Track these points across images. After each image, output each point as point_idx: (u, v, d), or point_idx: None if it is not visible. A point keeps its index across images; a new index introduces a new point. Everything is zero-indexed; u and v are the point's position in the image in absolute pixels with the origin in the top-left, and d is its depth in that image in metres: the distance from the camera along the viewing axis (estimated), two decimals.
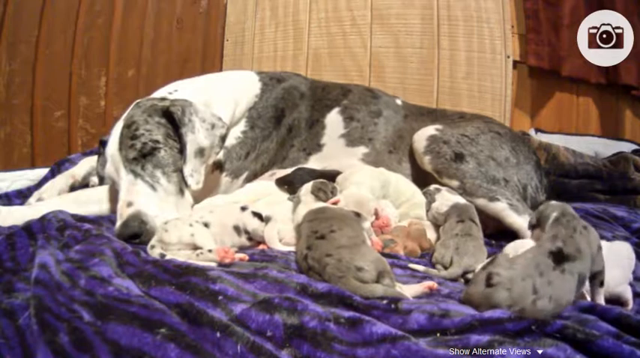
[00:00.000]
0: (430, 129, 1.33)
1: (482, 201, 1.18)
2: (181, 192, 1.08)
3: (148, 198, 1.00)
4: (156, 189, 1.03)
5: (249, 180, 1.35)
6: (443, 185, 1.23)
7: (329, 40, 2.26)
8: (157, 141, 1.06)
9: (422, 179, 1.32)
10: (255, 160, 1.35)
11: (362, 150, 1.43)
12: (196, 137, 1.09)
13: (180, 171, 1.07)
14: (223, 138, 1.16)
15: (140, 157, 1.03)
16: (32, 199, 1.28)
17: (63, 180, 1.35)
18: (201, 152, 1.10)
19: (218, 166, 1.26)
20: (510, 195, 1.19)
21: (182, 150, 1.09)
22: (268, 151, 1.38)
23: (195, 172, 1.08)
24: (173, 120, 1.09)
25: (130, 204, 0.98)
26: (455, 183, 1.22)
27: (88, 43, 1.83)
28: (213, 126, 1.13)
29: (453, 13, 2.02)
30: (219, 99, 1.31)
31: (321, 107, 1.50)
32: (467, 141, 1.27)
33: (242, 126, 1.35)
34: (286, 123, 1.43)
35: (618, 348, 0.57)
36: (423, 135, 1.32)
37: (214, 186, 1.27)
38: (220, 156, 1.22)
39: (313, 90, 1.54)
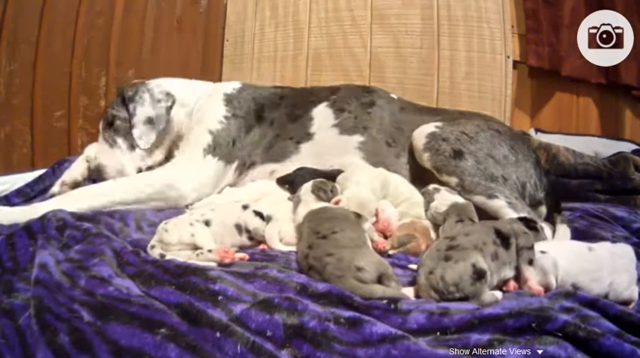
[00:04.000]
0: (430, 127, 1.33)
1: (480, 199, 1.18)
2: (132, 148, 1.40)
3: (105, 154, 1.39)
4: (113, 147, 1.40)
5: (239, 169, 1.42)
6: (442, 183, 1.23)
7: (329, 40, 2.26)
8: (115, 116, 1.41)
9: (421, 175, 1.32)
10: (242, 149, 1.43)
11: (357, 138, 1.41)
12: (144, 109, 1.41)
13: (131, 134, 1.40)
14: (170, 108, 1.44)
15: (107, 126, 1.42)
16: (56, 188, 1.35)
17: (80, 164, 1.46)
18: (149, 120, 1.40)
19: (210, 151, 1.37)
20: (509, 192, 1.19)
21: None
22: (253, 142, 1.45)
23: (144, 135, 1.39)
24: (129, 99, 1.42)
25: (96, 158, 1.41)
26: (454, 180, 1.22)
27: (88, 43, 1.82)
28: (159, 100, 1.43)
29: (453, 13, 2.01)
30: (191, 83, 1.60)
31: (305, 104, 1.51)
32: (466, 139, 1.27)
33: (223, 110, 1.46)
34: (267, 118, 1.49)
35: (619, 347, 0.57)
36: (422, 133, 1.32)
37: (210, 172, 1.34)
38: (209, 140, 1.39)
39: (296, 92, 1.60)
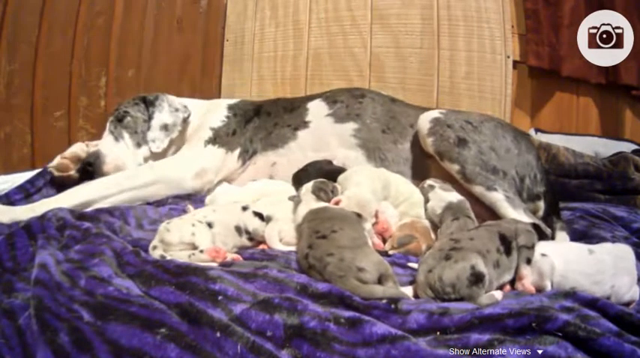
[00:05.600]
0: (434, 112, 1.34)
1: (479, 189, 1.18)
2: (138, 146, 1.47)
3: (109, 145, 1.44)
4: (118, 140, 1.46)
5: (242, 157, 1.51)
6: (442, 169, 1.25)
7: (329, 40, 2.26)
8: (127, 112, 1.49)
9: (422, 163, 1.34)
10: (243, 135, 1.54)
11: (352, 126, 1.45)
12: (162, 115, 1.51)
13: (143, 134, 1.48)
14: (185, 120, 1.55)
15: (116, 121, 1.48)
16: (54, 161, 1.39)
17: (81, 144, 1.50)
18: (165, 127, 1.50)
19: (210, 141, 1.48)
20: (507, 187, 1.19)
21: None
22: (253, 129, 1.56)
23: (157, 140, 1.48)
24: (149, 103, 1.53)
25: (98, 145, 1.45)
26: (455, 167, 1.22)
27: (88, 43, 1.82)
28: (177, 110, 1.55)
29: (453, 13, 2.02)
30: (199, 101, 1.71)
31: (300, 100, 1.62)
32: (470, 129, 1.27)
33: (226, 112, 1.59)
34: (265, 111, 1.61)
35: (619, 347, 0.57)
36: (427, 118, 1.33)
37: (211, 158, 1.45)
38: (210, 134, 1.50)
39: (291, 98, 1.70)
